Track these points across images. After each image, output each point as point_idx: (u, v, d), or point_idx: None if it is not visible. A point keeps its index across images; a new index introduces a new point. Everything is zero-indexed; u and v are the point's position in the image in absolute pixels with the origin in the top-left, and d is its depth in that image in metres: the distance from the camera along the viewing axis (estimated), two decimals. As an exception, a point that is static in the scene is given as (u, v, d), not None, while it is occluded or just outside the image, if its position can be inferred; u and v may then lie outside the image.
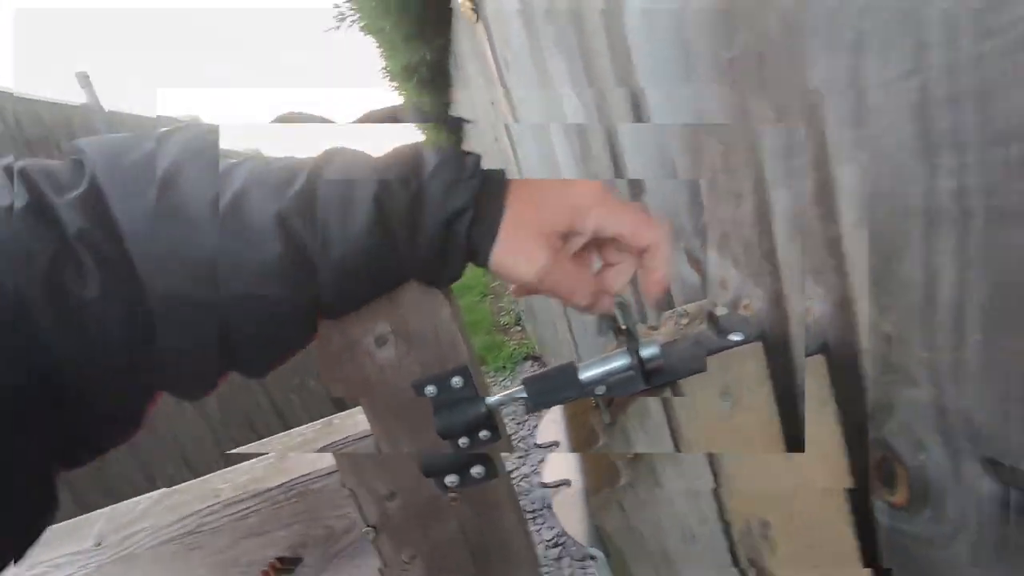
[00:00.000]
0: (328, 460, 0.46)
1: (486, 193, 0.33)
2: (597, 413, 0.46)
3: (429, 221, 0.32)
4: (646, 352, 0.40)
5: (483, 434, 0.40)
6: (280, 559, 0.46)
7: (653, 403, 0.44)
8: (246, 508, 0.46)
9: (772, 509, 0.42)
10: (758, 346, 0.41)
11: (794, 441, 0.41)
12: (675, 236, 0.51)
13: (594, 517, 0.43)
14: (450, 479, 0.41)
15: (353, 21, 3.80)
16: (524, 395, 0.40)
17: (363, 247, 0.32)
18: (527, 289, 0.38)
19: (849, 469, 0.40)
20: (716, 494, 0.42)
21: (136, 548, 0.45)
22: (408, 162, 0.33)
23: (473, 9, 1.57)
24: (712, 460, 0.42)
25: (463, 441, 0.40)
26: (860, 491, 0.40)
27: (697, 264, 0.50)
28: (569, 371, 0.40)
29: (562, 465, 0.45)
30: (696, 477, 0.41)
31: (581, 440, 0.48)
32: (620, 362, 0.40)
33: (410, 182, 0.32)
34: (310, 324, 0.35)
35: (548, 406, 0.41)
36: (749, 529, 0.42)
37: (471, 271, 0.38)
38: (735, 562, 0.44)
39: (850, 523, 0.42)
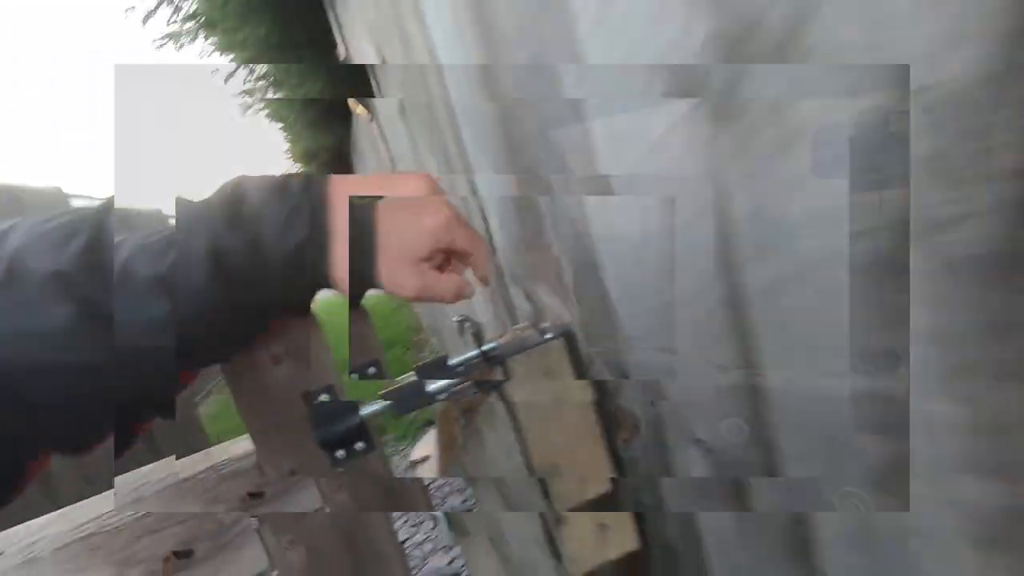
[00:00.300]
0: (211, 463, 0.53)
1: (357, 228, 0.37)
2: (458, 424, 0.61)
3: (270, 262, 0.34)
4: (487, 347, 0.57)
5: (359, 445, 0.47)
6: (175, 552, 0.53)
7: (498, 406, 0.59)
8: (142, 510, 0.52)
9: (559, 454, 0.59)
10: (561, 341, 0.59)
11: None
12: (513, 280, 0.70)
13: (444, 475, 0.56)
14: (339, 452, 0.48)
15: (259, 109, 3.95)
16: (413, 379, 0.51)
17: (206, 302, 0.32)
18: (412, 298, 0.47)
19: (598, 419, 0.58)
20: (523, 452, 0.58)
21: (38, 553, 0.50)
22: (230, 201, 0.33)
23: (367, 110, 1.79)
24: (516, 423, 0.58)
25: (340, 453, 0.47)
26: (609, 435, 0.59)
27: (529, 297, 0.68)
28: (443, 360, 0.54)
29: (425, 447, 0.58)
30: (507, 435, 0.57)
31: (447, 444, 0.62)
32: (472, 353, 0.56)
33: (242, 226, 0.33)
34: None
35: (421, 405, 0.52)
36: (546, 471, 0.58)
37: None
38: (544, 496, 0.59)
39: (606, 456, 0.60)
